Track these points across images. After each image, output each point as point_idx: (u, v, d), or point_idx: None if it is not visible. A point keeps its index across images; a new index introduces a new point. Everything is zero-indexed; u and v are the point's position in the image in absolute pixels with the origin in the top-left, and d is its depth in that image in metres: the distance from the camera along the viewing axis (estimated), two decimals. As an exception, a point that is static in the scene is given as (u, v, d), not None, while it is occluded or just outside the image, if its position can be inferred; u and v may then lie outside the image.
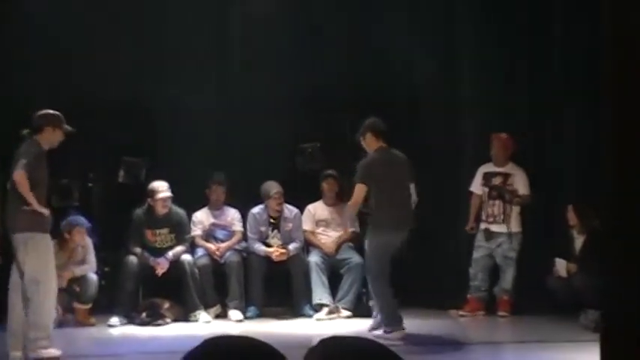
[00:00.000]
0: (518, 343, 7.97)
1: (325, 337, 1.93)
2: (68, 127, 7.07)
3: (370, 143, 7.71)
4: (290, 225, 9.30)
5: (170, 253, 8.87)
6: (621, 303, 1.53)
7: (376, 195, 7.55)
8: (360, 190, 7.53)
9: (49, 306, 6.86)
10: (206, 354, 1.65)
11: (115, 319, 8.52)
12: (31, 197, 6.77)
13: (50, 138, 7.00)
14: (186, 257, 8.94)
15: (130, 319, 8.61)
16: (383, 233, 7.53)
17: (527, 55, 9.57)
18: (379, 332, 7.52)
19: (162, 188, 8.84)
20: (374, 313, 7.96)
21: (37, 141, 6.95)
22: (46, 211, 6.85)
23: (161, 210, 8.88)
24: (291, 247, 9.16)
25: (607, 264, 1.61)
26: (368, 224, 7.79)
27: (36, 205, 6.77)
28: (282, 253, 9.07)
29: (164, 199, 8.85)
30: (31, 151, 6.88)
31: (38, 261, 6.80)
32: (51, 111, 7.08)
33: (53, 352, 6.81)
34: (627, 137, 1.58)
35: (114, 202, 9.25)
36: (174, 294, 8.82)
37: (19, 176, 6.77)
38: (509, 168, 9.17)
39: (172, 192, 8.89)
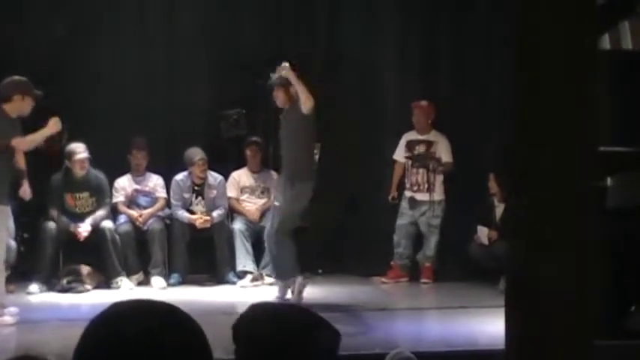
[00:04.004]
0: (440, 309, 8.08)
1: (256, 302, 1.93)
2: (38, 92, 6.87)
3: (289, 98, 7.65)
4: (214, 192, 9.24)
5: (91, 219, 8.75)
6: (525, 267, 1.54)
7: (309, 147, 7.59)
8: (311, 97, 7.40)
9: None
10: (113, 318, 1.62)
11: (34, 286, 8.38)
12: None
13: (20, 107, 6.78)
14: (107, 224, 8.81)
15: (50, 285, 8.49)
16: (309, 185, 7.55)
17: (449, 23, 9.65)
18: (289, 298, 7.59)
19: (79, 150, 8.67)
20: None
21: (4, 111, 6.73)
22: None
23: (79, 172, 8.71)
24: (215, 214, 9.10)
25: (510, 228, 1.63)
26: (295, 173, 7.57)
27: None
28: (205, 220, 9.01)
29: (82, 161, 8.69)
30: None
31: None
32: (18, 78, 6.84)
33: (6, 319, 6.76)
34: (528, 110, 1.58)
35: (33, 166, 9.04)
36: (95, 260, 8.70)
37: (22, 144, 6.77)
38: (432, 135, 9.25)
39: (95, 158, 8.74)
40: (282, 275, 7.71)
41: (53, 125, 6.94)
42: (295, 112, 7.51)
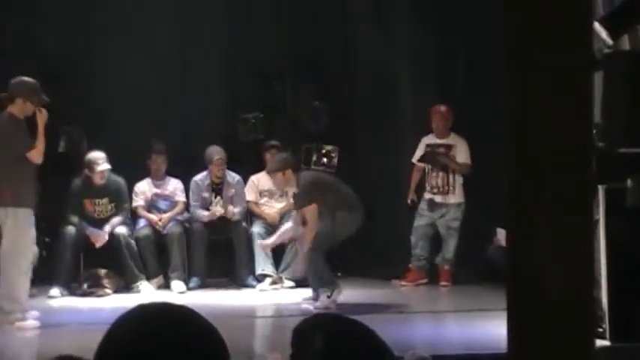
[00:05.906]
0: (458, 312, 8.06)
1: (321, 312, 1.96)
2: (44, 99, 6.91)
3: None
4: (232, 190, 9.27)
5: (107, 227, 8.78)
6: (526, 265, 1.55)
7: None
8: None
9: (24, 280, 6.82)
10: (136, 319, 1.64)
11: (55, 290, 8.43)
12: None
13: (22, 109, 6.85)
14: (121, 230, 8.84)
15: (71, 289, 8.54)
16: (355, 215, 7.64)
17: (463, 23, 9.65)
18: (317, 304, 7.54)
19: (100, 161, 8.70)
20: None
21: (11, 114, 6.82)
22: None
23: (99, 181, 8.76)
24: (235, 209, 9.12)
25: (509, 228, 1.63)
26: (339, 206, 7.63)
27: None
28: (224, 212, 9.03)
29: (102, 172, 8.73)
30: (14, 129, 6.77)
31: (20, 235, 6.72)
32: (26, 79, 6.88)
33: (29, 323, 6.80)
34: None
35: (54, 171, 9.10)
36: (115, 265, 8.75)
37: (36, 157, 6.77)
38: (452, 139, 9.24)
39: (114, 163, 8.78)
40: (332, 287, 7.64)
41: (40, 118, 6.92)
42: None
